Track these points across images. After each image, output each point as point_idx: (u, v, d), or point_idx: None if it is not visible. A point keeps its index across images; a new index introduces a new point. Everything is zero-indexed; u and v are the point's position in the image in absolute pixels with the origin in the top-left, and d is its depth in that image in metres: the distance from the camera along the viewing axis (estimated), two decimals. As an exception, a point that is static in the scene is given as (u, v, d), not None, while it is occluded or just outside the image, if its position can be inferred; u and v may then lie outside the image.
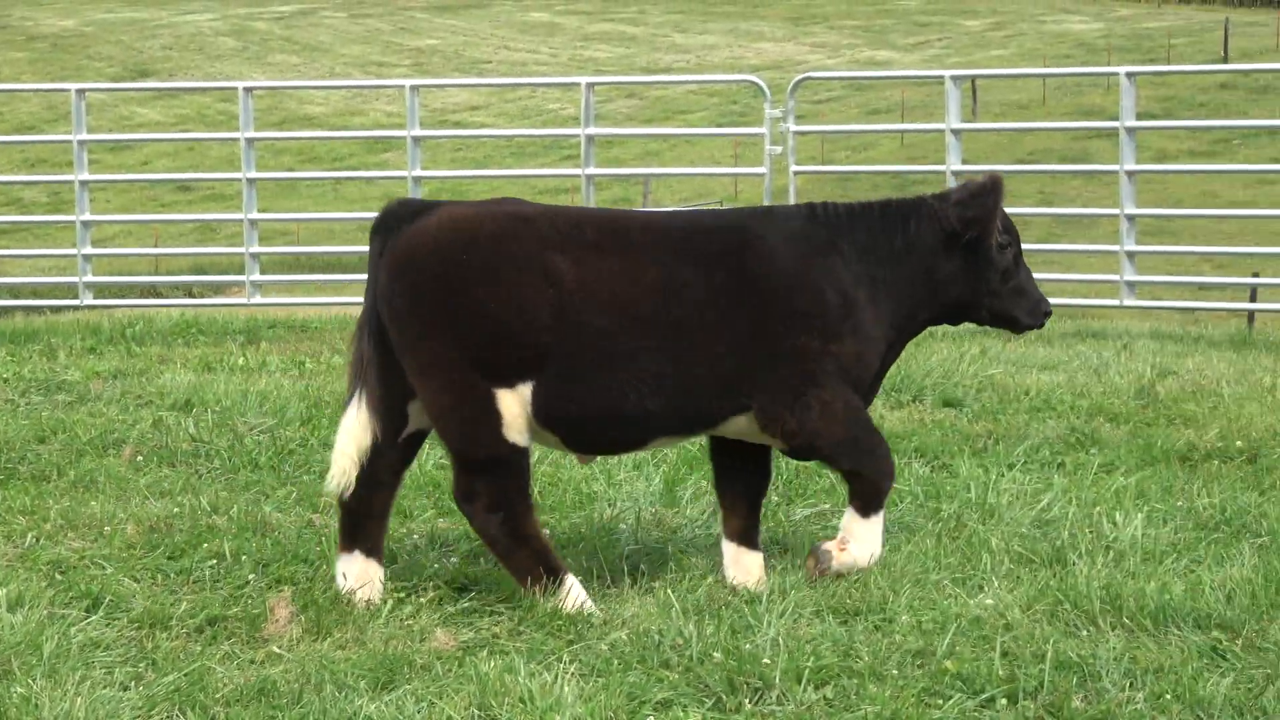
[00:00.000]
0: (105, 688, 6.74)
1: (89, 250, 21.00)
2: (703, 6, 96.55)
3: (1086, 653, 6.90)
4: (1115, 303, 18.99)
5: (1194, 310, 23.53)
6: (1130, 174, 18.81)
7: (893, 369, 9.63)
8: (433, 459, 10.36)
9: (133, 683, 6.85)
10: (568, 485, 9.84)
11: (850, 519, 8.03)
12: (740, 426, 7.96)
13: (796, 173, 20.08)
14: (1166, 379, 13.33)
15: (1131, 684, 6.66)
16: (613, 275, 7.68)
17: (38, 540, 8.86)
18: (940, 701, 6.56)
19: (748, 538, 8.14)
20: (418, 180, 20.39)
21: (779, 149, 19.61)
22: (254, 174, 20.79)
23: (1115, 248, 18.87)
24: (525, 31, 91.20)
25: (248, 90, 20.64)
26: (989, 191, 8.08)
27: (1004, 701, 6.55)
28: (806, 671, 6.72)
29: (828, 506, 9.38)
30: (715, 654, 6.87)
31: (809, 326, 7.82)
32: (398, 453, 7.96)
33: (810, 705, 6.54)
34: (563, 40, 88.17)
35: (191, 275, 29.82)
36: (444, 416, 7.69)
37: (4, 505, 9.48)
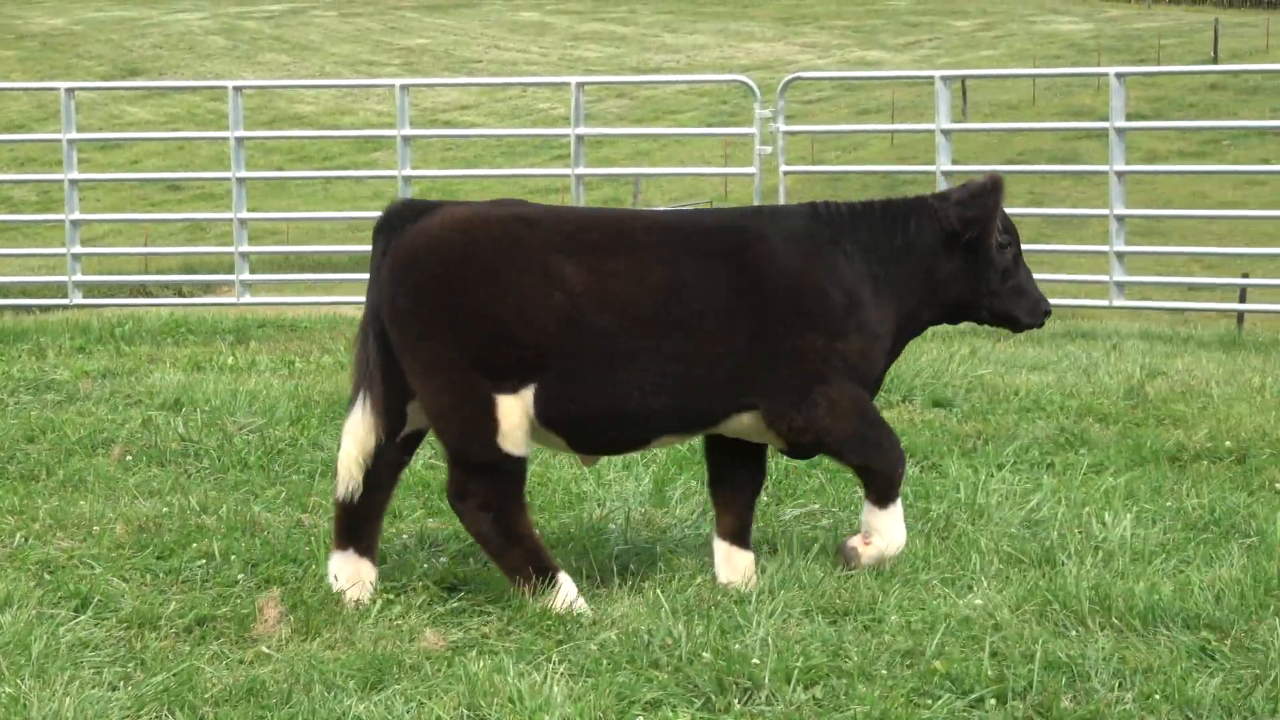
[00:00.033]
0: (94, 688, 6.72)
1: (78, 249, 20.99)
2: (693, 6, 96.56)
3: (1075, 653, 6.90)
4: (1105, 303, 19.01)
5: (1183, 311, 23.56)
6: (1120, 174, 18.84)
7: (884, 369, 9.64)
8: (422, 459, 10.36)
9: (121, 683, 6.84)
10: (557, 485, 9.83)
11: (869, 513, 8.07)
12: (744, 425, 7.97)
13: (786, 173, 20.09)
14: (1156, 379, 13.34)
15: (1120, 684, 6.66)
16: (616, 276, 7.68)
17: (26, 540, 8.85)
18: (929, 701, 6.55)
19: (740, 537, 8.14)
20: (408, 180, 20.37)
21: (769, 149, 19.63)
22: (244, 173, 20.79)
23: (1105, 248, 18.90)
24: (515, 31, 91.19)
25: (238, 89, 20.64)
26: (989, 191, 8.10)
27: (993, 701, 6.55)
28: (796, 671, 6.72)
29: (817, 506, 9.38)
30: (704, 654, 6.87)
31: (814, 325, 7.84)
32: (395, 453, 7.96)
33: (799, 705, 6.53)
34: (553, 40, 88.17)
35: (181, 274, 29.81)
36: (443, 416, 7.68)
37: (-7, 505, 9.48)
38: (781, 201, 20.08)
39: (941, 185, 19.11)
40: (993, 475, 9.82)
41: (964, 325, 9.13)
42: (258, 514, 9.32)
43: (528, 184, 51.56)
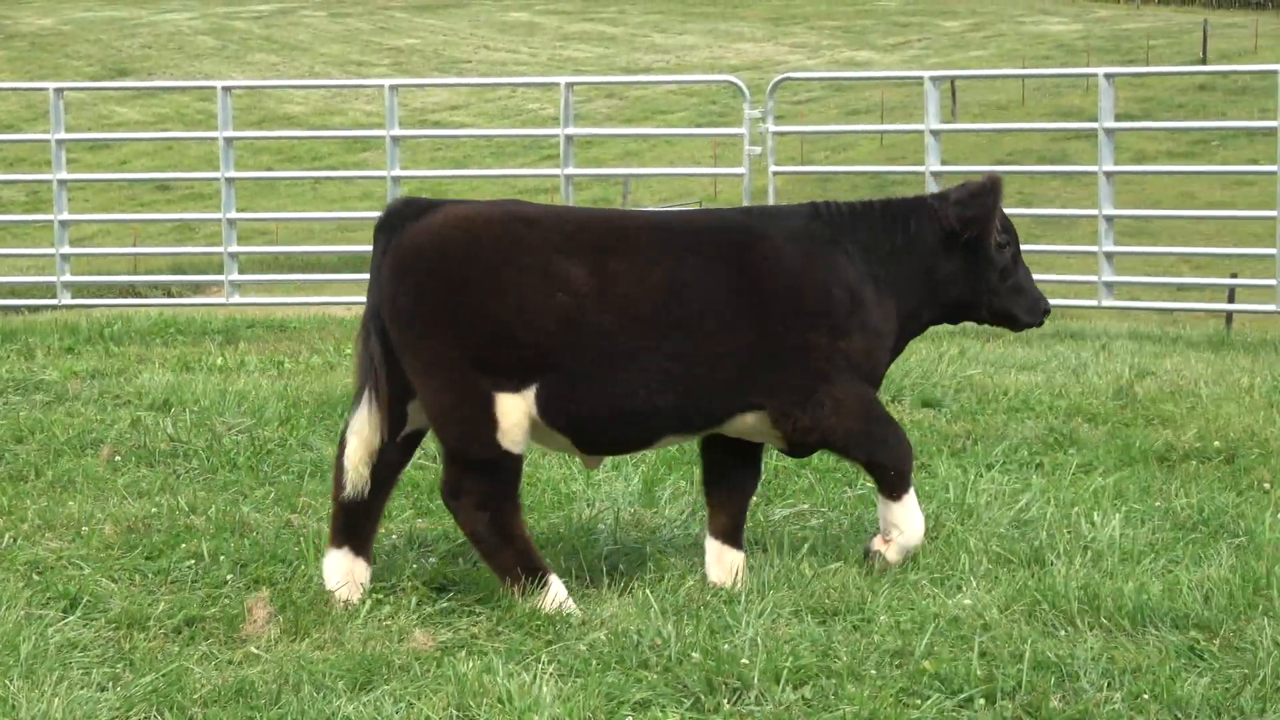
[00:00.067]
0: (83, 688, 6.72)
1: (67, 250, 20.97)
2: (682, 7, 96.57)
3: (1064, 653, 6.91)
4: (1094, 303, 19.02)
5: (1172, 311, 23.60)
6: (1109, 175, 18.85)
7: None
8: (412, 459, 10.35)
9: (110, 683, 6.84)
10: (546, 485, 9.83)
11: (884, 508, 8.12)
12: (748, 425, 7.98)
13: (775, 173, 20.10)
14: (1145, 379, 13.36)
15: (1109, 684, 6.66)
16: (618, 275, 7.69)
17: (15, 540, 8.84)
18: (918, 701, 6.56)
19: (732, 536, 8.16)
20: (397, 180, 20.37)
21: (758, 149, 19.63)
22: (233, 173, 20.77)
23: (1094, 248, 18.91)
24: (505, 31, 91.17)
25: (226, 89, 20.63)
26: (988, 191, 8.15)
27: (982, 701, 6.55)
28: (785, 671, 6.72)
29: (806, 506, 9.39)
30: (694, 654, 6.87)
31: (817, 324, 7.86)
32: (396, 453, 7.96)
33: (788, 705, 6.54)
34: (542, 40, 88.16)
35: (170, 275, 29.78)
36: (443, 414, 7.67)
37: (-19, 505, 9.47)
38: (771, 202, 20.09)
39: (931, 186, 19.12)
40: (982, 475, 9.83)
41: (953, 326, 9.14)
42: (247, 514, 9.31)
43: (517, 184, 51.55)
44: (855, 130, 55.56)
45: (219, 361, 14.52)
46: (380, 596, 7.81)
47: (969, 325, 8.74)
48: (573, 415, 7.69)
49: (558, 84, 20.32)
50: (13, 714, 6.43)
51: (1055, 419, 11.67)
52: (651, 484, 9.73)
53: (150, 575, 8.25)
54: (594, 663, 6.91)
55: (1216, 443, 10.71)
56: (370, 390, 7.78)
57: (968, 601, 7.50)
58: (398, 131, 20.36)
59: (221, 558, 8.43)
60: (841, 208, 8.19)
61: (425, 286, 7.62)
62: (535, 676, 6.70)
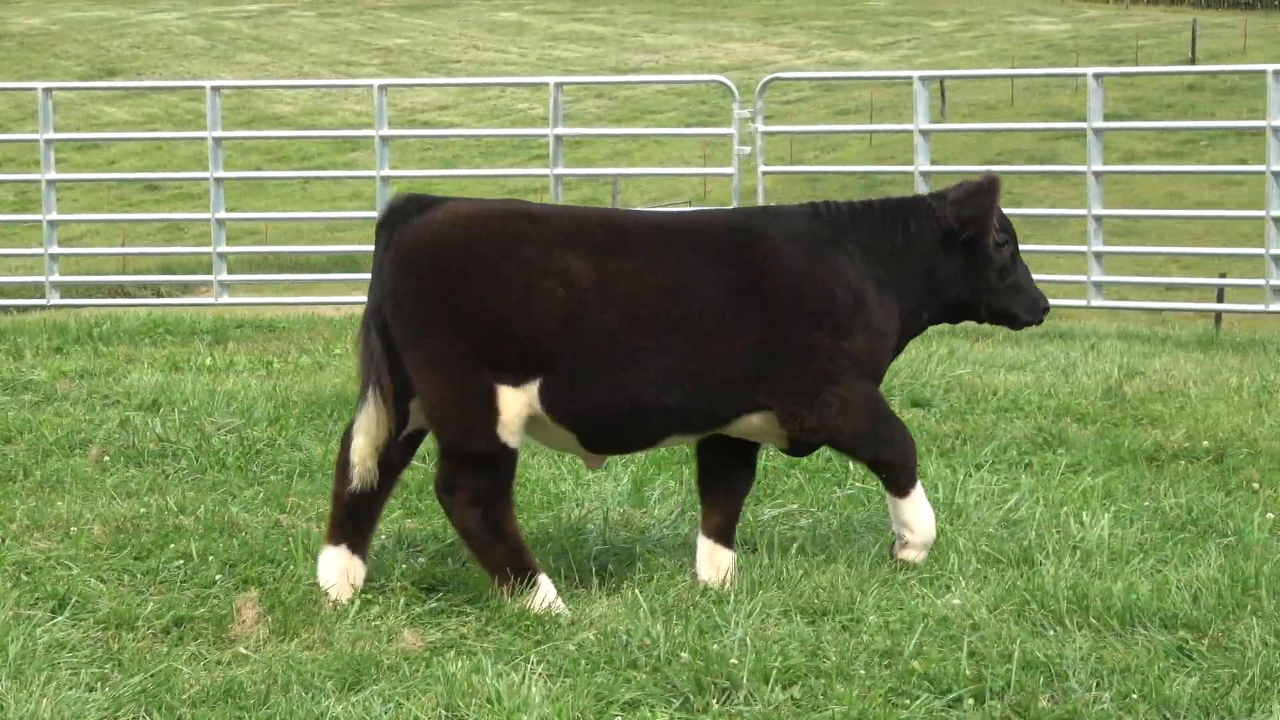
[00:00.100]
0: (71, 689, 6.71)
1: (56, 249, 20.96)
2: (671, 7, 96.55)
3: (1053, 652, 6.91)
4: (1083, 303, 19.05)
5: (1161, 311, 23.61)
6: (1098, 175, 18.88)
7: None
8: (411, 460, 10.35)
9: (99, 684, 6.83)
10: (535, 485, 9.83)
11: (894, 507, 8.18)
12: (753, 425, 8.02)
13: (765, 173, 20.12)
14: (1134, 379, 13.37)
15: (1098, 684, 6.67)
16: (621, 273, 7.72)
17: (3, 541, 8.82)
18: (907, 701, 6.56)
19: (724, 536, 8.19)
20: (386, 180, 20.37)
21: (747, 149, 19.65)
22: (222, 173, 20.77)
23: (1083, 248, 18.94)
24: (494, 31, 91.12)
25: (215, 89, 20.61)
26: (985, 191, 8.21)
27: (971, 701, 6.56)
28: (774, 671, 6.73)
29: (795, 506, 9.39)
30: (683, 654, 6.87)
31: (820, 324, 7.90)
32: (398, 452, 7.96)
33: (778, 705, 6.54)
34: (531, 40, 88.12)
35: (159, 275, 29.76)
36: (442, 410, 7.67)
37: (-31, 505, 9.45)
38: (760, 201, 20.10)
39: (920, 185, 19.15)
40: (971, 475, 9.84)
41: (943, 326, 9.15)
42: (235, 514, 9.30)
43: (506, 184, 51.49)
44: (844, 130, 55.57)
45: (208, 361, 14.51)
46: (369, 596, 7.81)
47: (958, 325, 8.75)
48: (578, 411, 7.71)
49: (547, 84, 20.33)
50: (1, 714, 6.42)
51: (1044, 419, 11.68)
52: (641, 484, 9.73)
53: (139, 575, 8.24)
54: (583, 663, 6.91)
55: (1205, 442, 10.72)
56: (373, 386, 7.77)
57: (957, 601, 7.51)
58: (387, 131, 20.36)
59: (210, 558, 8.42)
60: (841, 208, 8.23)
61: (427, 282, 7.63)
62: (524, 677, 6.70)
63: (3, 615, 7.43)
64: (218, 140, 20.47)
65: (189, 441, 10.97)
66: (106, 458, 10.60)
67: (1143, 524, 8.89)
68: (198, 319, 17.58)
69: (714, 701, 6.58)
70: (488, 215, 7.79)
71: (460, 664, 6.86)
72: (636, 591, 7.72)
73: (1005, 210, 8.40)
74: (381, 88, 20.39)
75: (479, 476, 7.65)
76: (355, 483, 7.82)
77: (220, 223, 20.72)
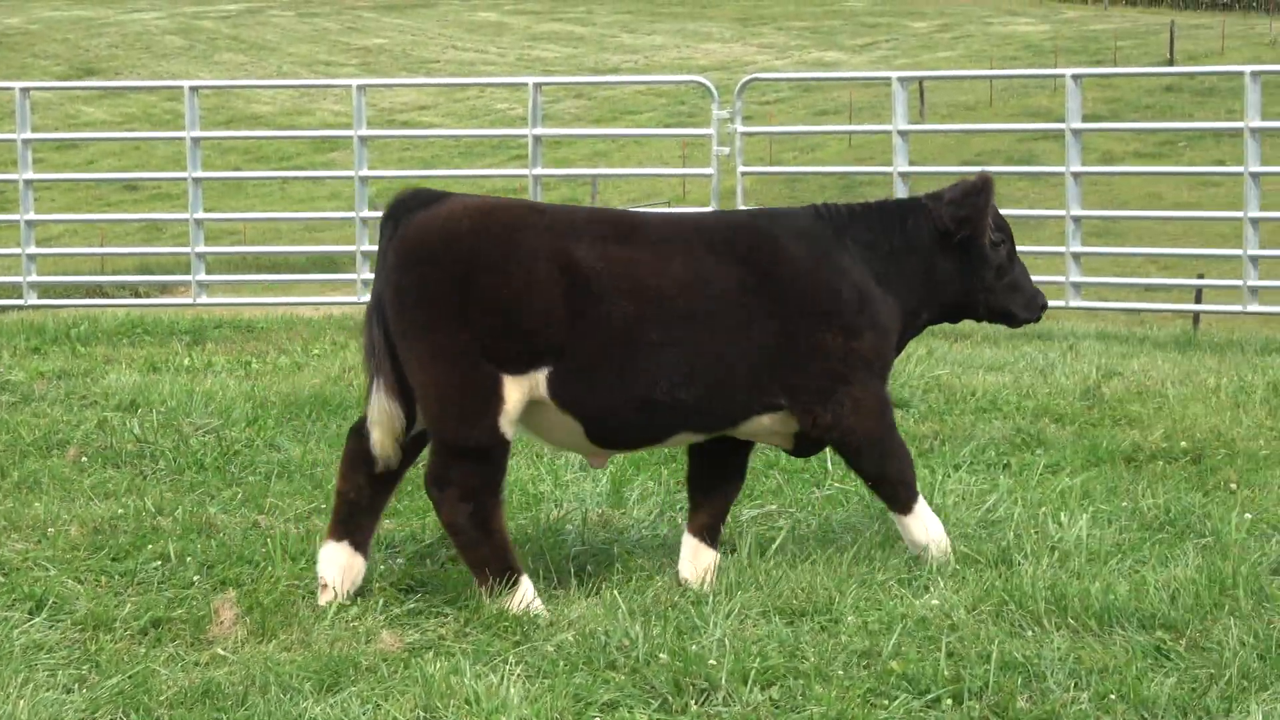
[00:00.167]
0: (48, 690, 6.70)
1: (33, 250, 20.91)
2: (651, 7, 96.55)
3: (1031, 653, 6.92)
4: (1061, 304, 19.05)
5: (1139, 311, 23.64)
6: (1076, 175, 18.90)
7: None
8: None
9: (76, 685, 6.82)
10: (514, 486, 9.82)
11: (902, 528, 8.24)
12: (762, 426, 8.06)
13: (744, 173, 20.13)
14: (1112, 380, 13.39)
15: (1076, 684, 6.68)
16: (630, 265, 7.76)
17: (-20, 542, 8.80)
18: (886, 702, 6.57)
19: (710, 535, 8.23)
20: (364, 180, 20.36)
21: (726, 150, 19.65)
22: (200, 173, 20.74)
23: (1061, 249, 18.95)
24: (473, 31, 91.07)
25: (194, 89, 20.58)
26: (979, 191, 8.28)
27: (949, 702, 6.56)
28: (752, 672, 6.73)
29: (774, 507, 9.39)
30: (661, 655, 6.87)
31: (830, 324, 7.95)
32: (402, 450, 7.94)
33: (756, 706, 6.54)
34: (510, 40, 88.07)
35: (137, 275, 29.64)
36: (442, 401, 7.65)
37: (-53, 506, 9.43)
38: (739, 202, 20.12)
39: (899, 186, 19.17)
40: (949, 476, 9.85)
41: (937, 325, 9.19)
42: (213, 515, 9.28)
43: (485, 185, 51.39)
44: (823, 131, 55.54)
45: (186, 362, 14.49)
46: (347, 597, 7.80)
47: (936, 326, 8.78)
48: (587, 399, 7.72)
49: (526, 84, 20.34)
50: (-22, 716, 6.41)
51: (1023, 419, 11.69)
52: (620, 485, 9.73)
53: (116, 576, 8.23)
54: (561, 664, 6.91)
55: (1183, 443, 10.75)
56: (378, 378, 7.76)
57: (935, 602, 7.51)
58: (366, 131, 20.34)
59: (188, 559, 8.41)
60: (841, 209, 8.31)
61: (431, 275, 7.63)
62: (503, 678, 6.70)
63: (-20, 616, 7.42)
64: (196, 140, 20.44)
65: (167, 442, 10.95)
66: (84, 458, 10.58)
67: (1120, 524, 8.91)
68: (176, 319, 17.54)
69: (692, 702, 6.58)
70: (494, 208, 7.84)
71: (439, 665, 6.85)
72: (615, 592, 7.72)
73: (987, 209, 8.44)
74: (360, 88, 20.37)
75: (471, 471, 7.65)
76: (380, 466, 7.81)
77: (199, 223, 20.70)
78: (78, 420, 11.65)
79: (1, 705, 6.46)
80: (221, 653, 7.17)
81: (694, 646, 6.97)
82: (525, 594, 7.65)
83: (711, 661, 6.78)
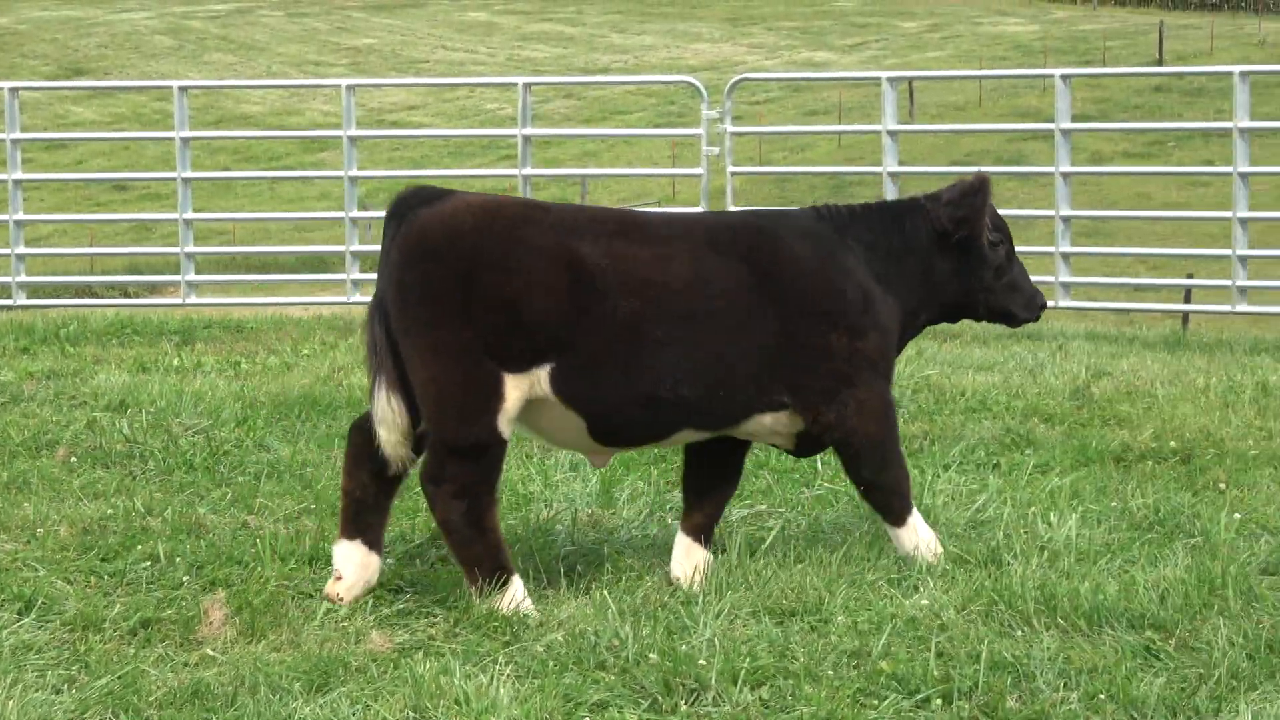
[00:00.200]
0: (37, 690, 6.69)
1: (22, 250, 20.89)
2: (640, 7, 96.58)
3: (1021, 653, 6.92)
4: (1050, 304, 19.02)
5: (1129, 311, 23.67)
6: (1065, 175, 18.92)
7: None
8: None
9: (65, 685, 6.81)
10: (504, 486, 9.80)
11: (895, 538, 8.23)
12: (764, 426, 8.06)
13: (733, 173, 20.14)
14: (1101, 380, 13.40)
15: (1066, 684, 6.68)
16: (634, 262, 7.77)
17: (-31, 542, 8.79)
18: (875, 702, 6.57)
19: (703, 535, 8.25)
20: (354, 180, 20.35)
21: (716, 150, 19.66)
22: (189, 173, 20.72)
23: (1050, 249, 18.97)
24: (463, 31, 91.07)
25: (183, 89, 20.56)
26: (976, 191, 8.29)
27: (939, 701, 6.56)
28: (742, 672, 6.73)
29: (764, 507, 9.39)
30: (651, 655, 6.87)
31: (835, 324, 7.97)
32: (413, 448, 7.93)
33: (746, 706, 6.54)
34: (500, 40, 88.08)
35: (126, 275, 29.70)
36: (440, 400, 7.64)
37: (-65, 507, 9.42)
38: (729, 202, 20.13)
39: (888, 186, 19.19)
40: (939, 476, 9.85)
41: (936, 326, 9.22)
42: (203, 516, 9.27)
43: (475, 185, 51.32)
44: (813, 131, 55.63)
45: (175, 362, 14.48)
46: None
47: (935, 325, 8.81)
48: (591, 395, 7.72)
49: (515, 84, 20.32)
50: (-33, 717, 6.40)
51: (1012, 419, 11.70)
52: (609, 485, 9.73)
53: (106, 577, 8.21)
54: (551, 664, 6.91)
55: (1172, 443, 10.76)
56: (380, 375, 7.76)
57: (925, 602, 7.51)
58: (355, 131, 20.33)
59: (178, 559, 8.40)
60: (842, 209, 8.34)
61: (434, 272, 7.63)
62: (492, 678, 6.69)
63: (-31, 617, 7.41)
64: (185, 140, 20.43)
65: (156, 442, 10.94)
66: (73, 459, 10.57)
67: (1110, 524, 8.91)
68: (165, 319, 17.53)
69: (682, 702, 6.57)
70: (498, 205, 7.85)
71: (428, 665, 6.85)
72: (605, 592, 7.71)
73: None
74: (350, 88, 20.36)
75: (467, 468, 7.64)
76: (393, 468, 7.81)
77: (188, 223, 20.68)
78: (67, 420, 11.64)
79: (-10, 706, 6.45)
80: (211, 653, 7.16)
81: (684, 646, 6.97)
82: (516, 594, 7.64)
83: (701, 661, 6.78)
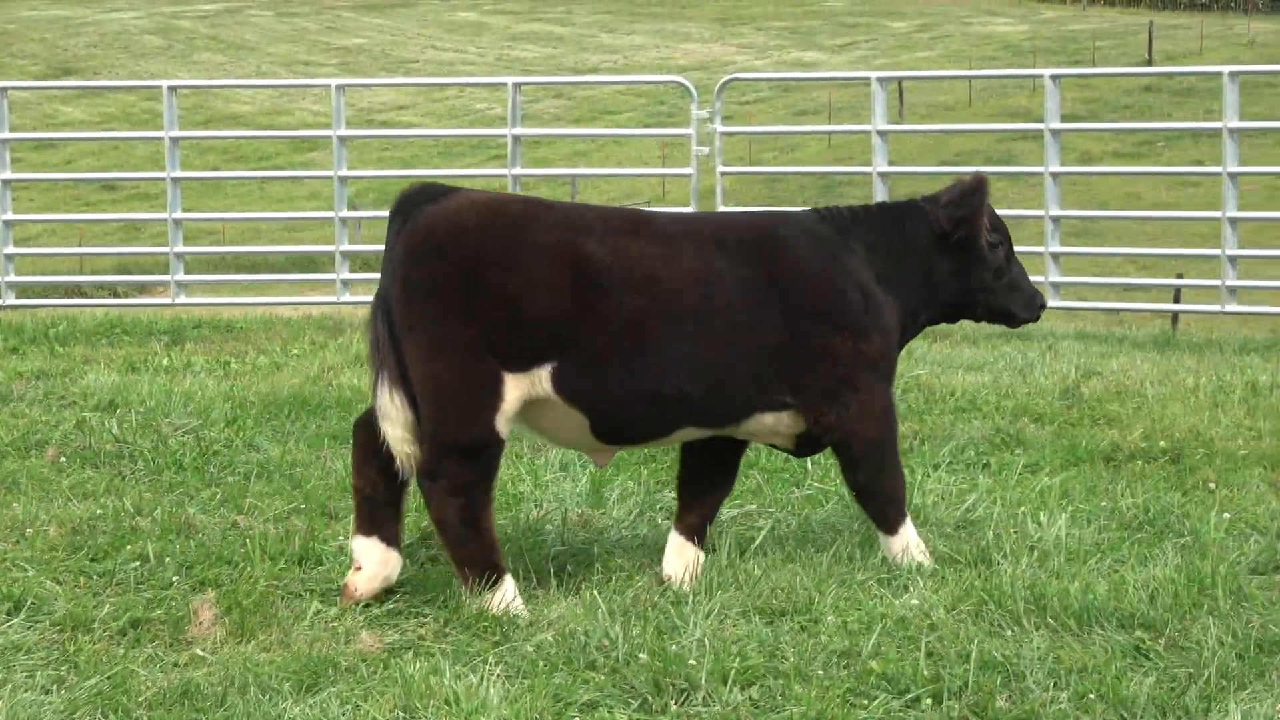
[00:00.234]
0: (27, 691, 6.69)
1: (11, 249, 20.86)
2: (630, 7, 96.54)
3: (1011, 652, 6.92)
4: (1040, 304, 19.05)
5: (1118, 311, 23.69)
6: (1055, 175, 18.94)
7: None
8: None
9: (55, 686, 6.80)
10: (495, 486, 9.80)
11: (884, 544, 8.24)
12: (764, 425, 8.07)
13: (723, 173, 20.15)
14: (1091, 380, 13.41)
15: (1055, 684, 6.68)
16: (639, 260, 7.78)
17: (-41, 542, 8.78)
18: (865, 701, 6.57)
19: (697, 534, 8.27)
20: (343, 180, 20.34)
21: (706, 150, 19.66)
22: (179, 173, 20.72)
23: (1040, 249, 18.97)
24: (452, 31, 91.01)
25: (172, 89, 20.54)
26: (974, 191, 8.32)
27: (929, 701, 6.56)
28: (732, 672, 6.73)
29: (754, 507, 9.39)
30: (641, 655, 6.87)
31: (837, 325, 7.99)
32: (419, 444, 7.92)
33: (736, 706, 6.54)
34: (490, 40, 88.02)
35: (116, 275, 29.58)
36: (439, 396, 7.63)
37: (-76, 507, 9.41)
38: (719, 202, 20.14)
39: (878, 186, 19.19)
40: (929, 475, 9.86)
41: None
42: (192, 516, 9.27)
43: (465, 185, 51.36)
44: (803, 131, 55.56)
45: (165, 362, 14.47)
46: (327, 598, 7.79)
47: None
48: (594, 392, 7.72)
49: (505, 84, 20.31)
50: (-44, 717, 6.39)
51: (1002, 419, 11.71)
52: (599, 485, 9.73)
53: (95, 577, 8.21)
54: (541, 664, 6.91)
55: (1162, 443, 10.77)
56: (383, 372, 7.75)
57: (915, 602, 7.52)
58: (345, 131, 20.32)
59: (167, 559, 8.39)
60: (843, 211, 8.38)
61: (439, 270, 7.63)
62: (482, 678, 6.69)
63: (-42, 617, 7.40)
64: (175, 140, 20.41)
65: (146, 442, 10.93)
66: (63, 459, 10.56)
67: (1100, 524, 8.92)
68: (155, 319, 17.52)
69: (672, 702, 6.57)
70: (502, 203, 7.87)
71: (418, 665, 6.85)
72: (595, 592, 7.72)
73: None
74: (339, 87, 20.35)
75: (465, 466, 7.64)
76: (403, 473, 7.79)
77: (177, 223, 20.67)
78: (56, 420, 11.63)
79: (-21, 706, 6.45)
80: (200, 653, 7.15)
81: (674, 646, 6.97)
82: (506, 594, 7.64)
83: (691, 661, 6.78)
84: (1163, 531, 8.81)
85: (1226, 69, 18.41)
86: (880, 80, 19.56)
